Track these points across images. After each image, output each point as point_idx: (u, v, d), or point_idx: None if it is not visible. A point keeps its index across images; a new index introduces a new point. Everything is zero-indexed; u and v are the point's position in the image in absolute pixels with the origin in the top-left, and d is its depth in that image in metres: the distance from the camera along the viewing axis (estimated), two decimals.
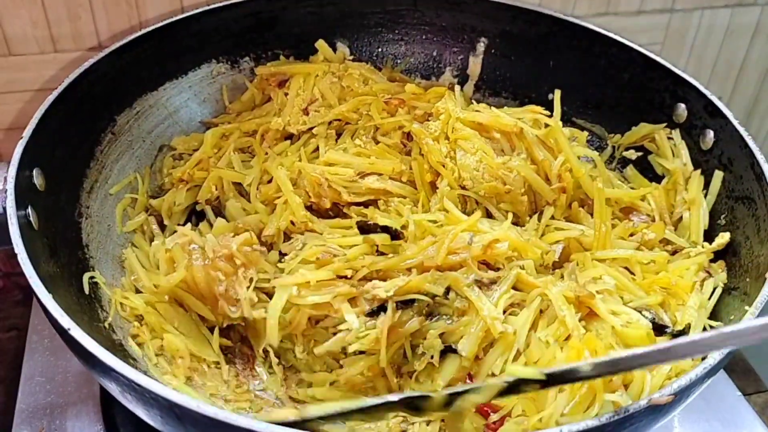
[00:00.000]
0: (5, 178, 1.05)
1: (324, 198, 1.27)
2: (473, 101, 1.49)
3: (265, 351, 1.15)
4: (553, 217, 1.25)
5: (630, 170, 1.40)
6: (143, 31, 1.36)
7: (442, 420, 1.05)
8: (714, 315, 1.11)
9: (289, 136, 1.41)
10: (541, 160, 1.26)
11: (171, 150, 1.41)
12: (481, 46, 1.54)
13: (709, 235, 1.23)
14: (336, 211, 1.29)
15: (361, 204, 1.28)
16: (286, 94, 1.44)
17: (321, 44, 1.50)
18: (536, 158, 1.27)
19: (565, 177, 1.25)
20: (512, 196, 1.24)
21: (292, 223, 1.24)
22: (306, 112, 1.41)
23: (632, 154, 1.40)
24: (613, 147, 1.43)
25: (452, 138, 1.28)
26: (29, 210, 1.06)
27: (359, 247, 1.16)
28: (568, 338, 1.04)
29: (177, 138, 1.42)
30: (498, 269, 1.12)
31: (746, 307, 0.98)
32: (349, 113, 1.40)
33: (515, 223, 1.24)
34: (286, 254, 1.20)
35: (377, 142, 1.35)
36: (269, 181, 1.31)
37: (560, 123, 1.29)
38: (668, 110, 1.35)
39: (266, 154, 1.36)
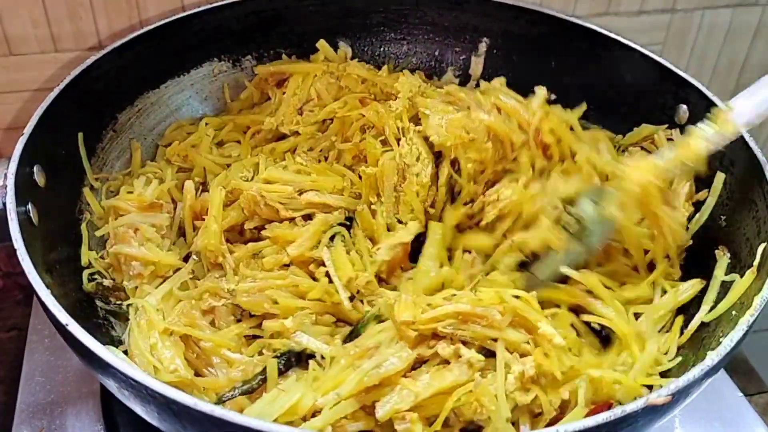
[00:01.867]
0: (5, 174, 1.05)
1: (256, 215, 1.24)
2: None
3: None
4: None
5: None
6: (145, 29, 1.36)
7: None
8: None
9: (284, 136, 1.41)
10: (510, 107, 1.26)
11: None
12: (482, 46, 1.54)
13: (709, 236, 1.23)
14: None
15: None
16: (284, 94, 1.44)
17: (322, 44, 1.50)
18: (505, 107, 1.26)
19: (546, 139, 1.25)
20: (476, 144, 1.23)
21: None
22: (300, 112, 1.41)
23: (636, 152, 1.39)
24: (614, 147, 1.43)
25: (415, 107, 1.30)
26: (29, 206, 1.07)
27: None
28: None
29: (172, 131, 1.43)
30: None
31: (746, 309, 0.98)
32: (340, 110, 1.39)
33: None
34: None
35: (326, 159, 1.35)
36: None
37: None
38: (670, 111, 1.35)
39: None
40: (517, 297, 1.03)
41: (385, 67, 1.47)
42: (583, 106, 1.38)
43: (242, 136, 1.42)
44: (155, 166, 1.35)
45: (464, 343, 0.99)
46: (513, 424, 0.96)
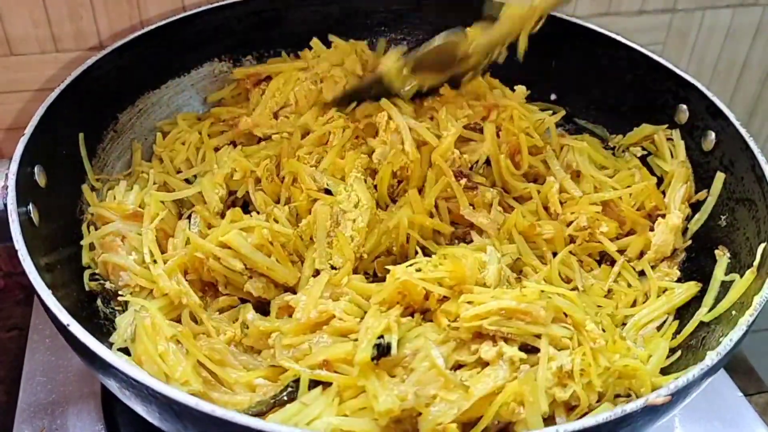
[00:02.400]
0: (6, 175, 1.05)
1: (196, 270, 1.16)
2: None
3: None
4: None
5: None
6: (145, 29, 1.36)
7: None
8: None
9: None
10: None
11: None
12: None
13: (709, 236, 1.23)
14: None
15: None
16: (262, 95, 1.43)
17: (315, 42, 1.49)
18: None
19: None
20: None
21: None
22: (276, 116, 1.40)
23: (638, 152, 1.40)
24: (613, 147, 1.43)
25: None
26: (30, 207, 1.07)
27: None
28: None
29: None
30: None
31: (745, 309, 0.98)
32: (313, 121, 1.36)
33: None
34: None
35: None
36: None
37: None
38: (670, 111, 1.35)
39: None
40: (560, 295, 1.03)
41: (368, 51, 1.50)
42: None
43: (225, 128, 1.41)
44: (147, 166, 1.34)
45: (505, 340, 0.99)
46: (548, 418, 0.96)
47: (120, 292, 1.15)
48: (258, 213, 1.24)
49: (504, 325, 0.98)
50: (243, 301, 1.16)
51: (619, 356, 1.00)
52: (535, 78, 1.50)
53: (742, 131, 1.19)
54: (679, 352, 1.10)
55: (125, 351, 1.07)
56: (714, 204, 1.25)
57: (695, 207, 1.28)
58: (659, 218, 1.26)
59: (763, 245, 1.08)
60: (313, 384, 0.99)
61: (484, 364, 0.98)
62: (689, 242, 1.26)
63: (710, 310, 1.12)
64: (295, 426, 0.93)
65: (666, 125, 1.36)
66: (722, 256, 1.18)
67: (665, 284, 1.21)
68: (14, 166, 1.06)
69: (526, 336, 0.99)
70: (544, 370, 0.95)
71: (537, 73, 1.49)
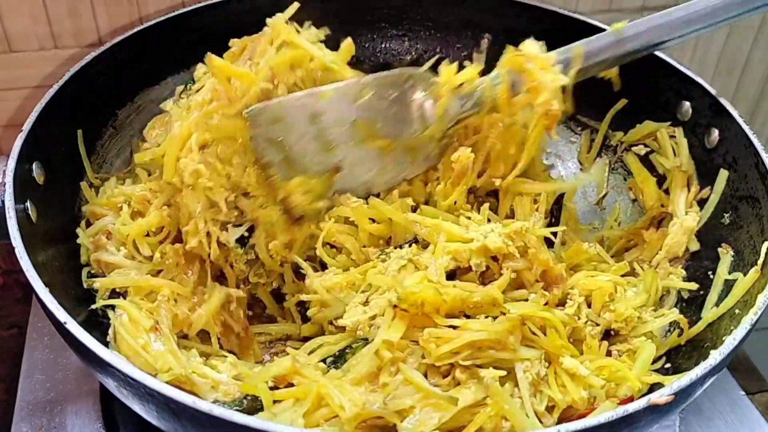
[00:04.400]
0: (4, 172, 1.05)
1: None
2: None
3: None
4: None
5: (630, 156, 1.40)
6: (144, 25, 1.36)
7: None
8: None
9: None
10: None
11: None
12: (484, 43, 1.53)
13: (712, 234, 1.22)
14: None
15: None
16: None
17: None
18: None
19: None
20: None
21: None
22: None
23: (641, 150, 1.39)
24: (616, 145, 1.43)
25: None
26: (28, 204, 1.06)
27: None
28: None
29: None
30: None
31: (749, 308, 0.97)
32: None
33: None
34: None
35: None
36: None
37: None
38: (673, 108, 1.34)
39: None
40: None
41: None
42: None
43: None
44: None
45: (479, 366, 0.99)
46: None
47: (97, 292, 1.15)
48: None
49: (477, 357, 0.98)
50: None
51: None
52: None
53: (746, 128, 1.19)
54: (682, 351, 1.10)
55: None
56: (717, 202, 1.24)
57: (698, 205, 1.27)
58: (673, 218, 1.27)
59: (767, 243, 1.07)
60: None
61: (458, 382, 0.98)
62: (699, 247, 1.26)
63: (713, 308, 1.11)
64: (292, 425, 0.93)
65: (669, 122, 1.35)
66: (725, 254, 1.17)
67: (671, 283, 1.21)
68: (12, 163, 1.06)
69: (499, 362, 0.99)
70: (526, 394, 0.96)
71: None
